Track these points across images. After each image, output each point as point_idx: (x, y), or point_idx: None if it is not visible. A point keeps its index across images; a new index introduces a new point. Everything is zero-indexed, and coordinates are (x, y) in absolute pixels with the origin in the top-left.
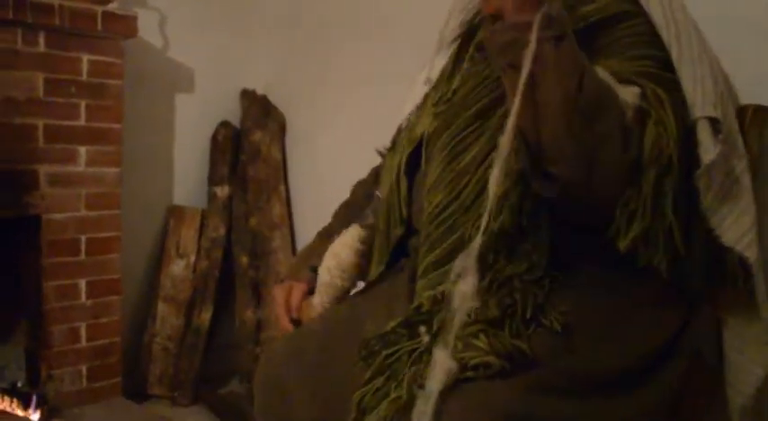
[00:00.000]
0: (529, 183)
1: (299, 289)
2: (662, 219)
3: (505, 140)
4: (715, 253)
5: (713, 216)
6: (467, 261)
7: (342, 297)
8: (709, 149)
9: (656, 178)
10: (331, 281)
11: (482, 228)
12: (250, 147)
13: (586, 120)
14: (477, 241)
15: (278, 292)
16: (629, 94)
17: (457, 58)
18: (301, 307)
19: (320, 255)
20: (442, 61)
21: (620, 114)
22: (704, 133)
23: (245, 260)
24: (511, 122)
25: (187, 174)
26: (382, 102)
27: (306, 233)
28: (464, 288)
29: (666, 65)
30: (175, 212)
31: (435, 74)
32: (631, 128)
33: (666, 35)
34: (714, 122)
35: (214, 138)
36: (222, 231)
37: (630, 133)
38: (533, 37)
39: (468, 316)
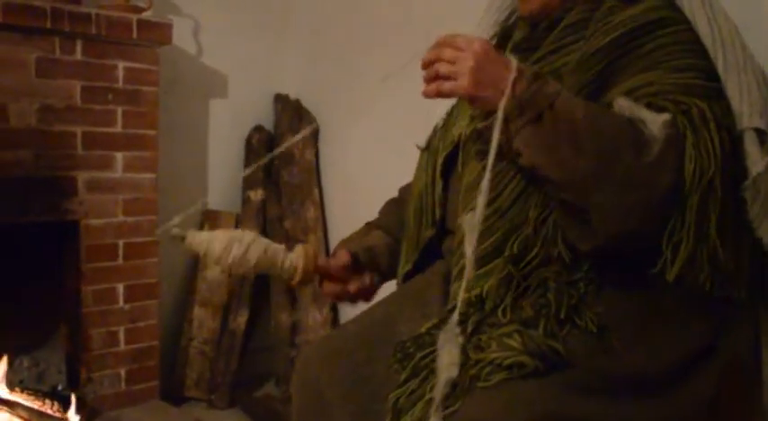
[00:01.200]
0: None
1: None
2: (706, 241)
3: (475, 222)
4: (759, 260)
5: (760, 226)
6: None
7: (369, 265)
8: (756, 161)
9: (699, 204)
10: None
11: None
12: (284, 150)
13: (601, 169)
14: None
15: None
16: (655, 126)
17: None
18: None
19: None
20: None
21: (635, 150)
22: (751, 144)
23: None
24: (480, 206)
25: (221, 178)
26: (413, 103)
27: (339, 235)
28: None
29: (711, 74)
30: (210, 217)
31: None
32: (660, 159)
33: (711, 43)
34: (761, 133)
35: (248, 142)
36: (257, 233)
37: (659, 165)
38: (495, 131)
39: (503, 315)
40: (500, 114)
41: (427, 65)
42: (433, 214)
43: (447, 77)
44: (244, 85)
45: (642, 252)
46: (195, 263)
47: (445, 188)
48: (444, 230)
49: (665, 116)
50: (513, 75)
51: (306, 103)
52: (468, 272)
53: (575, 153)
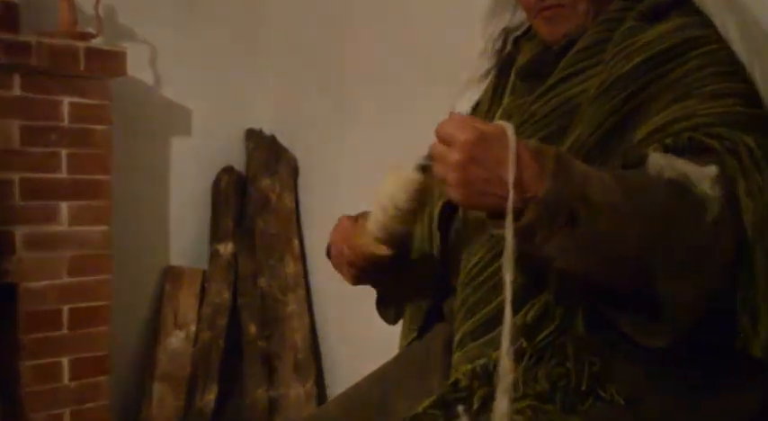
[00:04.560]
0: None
1: (351, 219)
2: None
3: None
4: None
5: None
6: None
7: (395, 239)
8: None
9: (766, 260)
10: (384, 209)
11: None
12: (257, 195)
13: (659, 254)
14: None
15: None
16: (705, 183)
17: (495, 90)
18: (356, 231)
19: None
20: (475, 94)
21: (693, 220)
22: None
23: (253, 329)
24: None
25: (185, 229)
26: (409, 141)
27: (324, 295)
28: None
29: (752, 99)
30: (172, 275)
31: (466, 109)
32: (720, 221)
33: (747, 55)
34: None
35: (215, 186)
36: (227, 295)
37: (720, 228)
38: (508, 239)
39: (515, 390)
40: (509, 237)
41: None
42: (434, 271)
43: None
44: (210, 119)
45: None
46: (154, 330)
47: (446, 239)
48: (446, 287)
49: (712, 170)
50: (512, 170)
51: (283, 140)
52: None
53: (623, 245)
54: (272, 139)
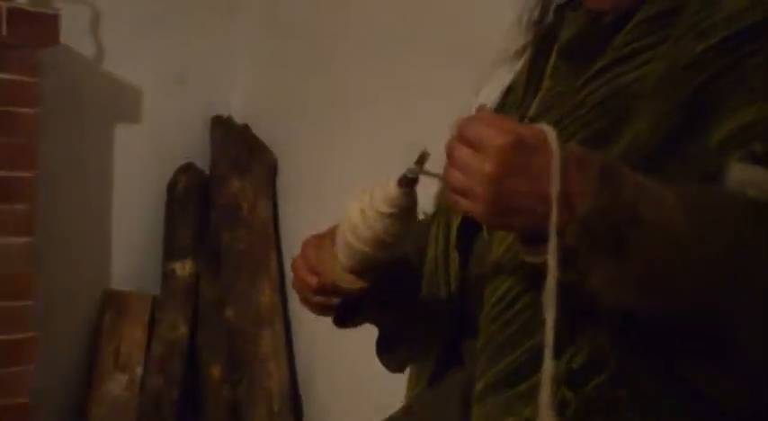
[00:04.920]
0: None
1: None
2: None
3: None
4: None
5: None
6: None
7: (372, 267)
8: None
9: None
10: (359, 226)
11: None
12: (225, 201)
13: (737, 294)
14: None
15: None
16: None
17: (531, 72)
18: (323, 256)
19: None
20: (506, 77)
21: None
22: None
23: (217, 373)
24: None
25: (131, 243)
26: (419, 136)
27: (308, 329)
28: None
29: None
30: (114, 301)
31: (494, 98)
32: None
33: None
34: None
35: (171, 188)
36: (184, 329)
37: None
38: (552, 266)
39: None
40: (552, 263)
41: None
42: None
43: (461, 192)
44: (166, 103)
45: None
46: (88, 372)
47: (464, 263)
48: (466, 325)
49: None
50: (556, 182)
51: (259, 131)
52: None
53: (684, 278)
54: (245, 130)
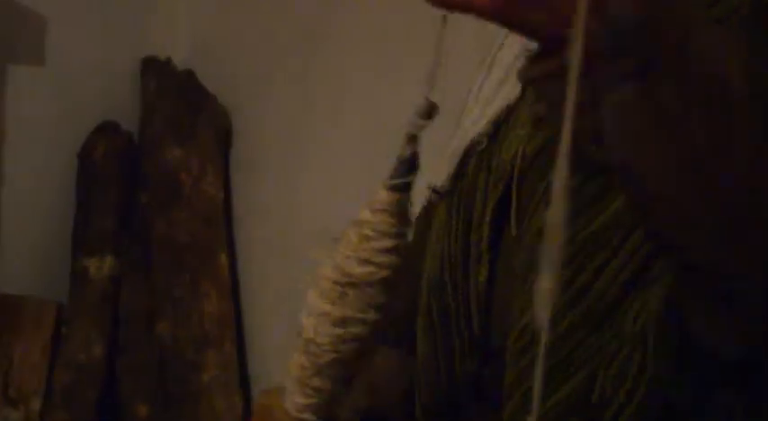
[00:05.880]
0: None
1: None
2: None
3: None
4: None
5: None
6: None
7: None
8: None
9: None
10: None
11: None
12: (159, 176)
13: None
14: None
15: None
16: None
17: None
18: None
19: None
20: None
21: None
22: None
23: (144, 410)
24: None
25: (28, 232)
26: (411, 86)
27: (268, 350)
28: None
29: None
30: (4, 309)
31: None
32: None
33: None
34: None
35: (85, 157)
36: (99, 350)
37: None
38: (571, 84)
39: None
40: (575, 60)
41: None
42: (470, 326)
43: None
44: (79, 39)
45: None
46: None
47: (493, 272)
48: (489, 354)
49: None
50: None
51: (207, 80)
52: None
53: (727, 153)
54: (188, 77)
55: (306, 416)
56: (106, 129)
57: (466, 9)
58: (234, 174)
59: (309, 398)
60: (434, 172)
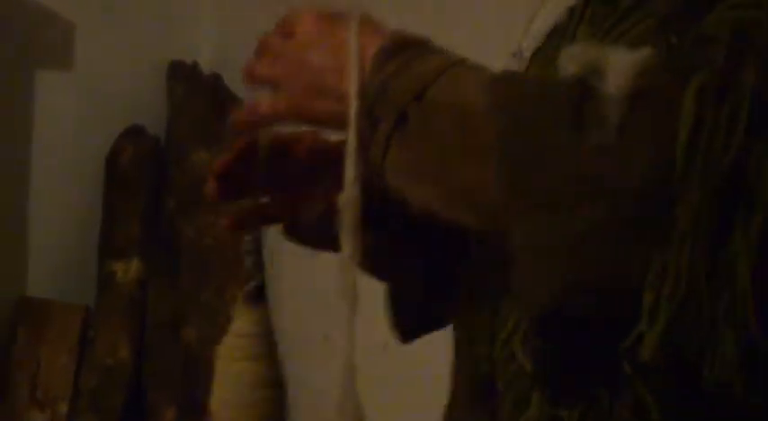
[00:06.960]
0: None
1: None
2: (727, 290)
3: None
4: None
5: None
6: None
7: None
8: None
9: (702, 208)
10: None
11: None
12: (186, 179)
13: (515, 178)
14: None
15: None
16: (620, 75)
17: (572, 15)
18: None
19: None
20: (546, 19)
21: (570, 130)
22: None
23: (171, 415)
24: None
25: (56, 236)
26: None
27: (298, 353)
28: None
29: None
30: (31, 313)
31: (533, 42)
32: (625, 135)
33: None
34: None
35: (112, 162)
36: (126, 353)
37: (622, 147)
38: (349, 160)
39: None
40: (351, 136)
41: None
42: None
43: (272, 82)
44: (106, 43)
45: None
46: None
47: None
48: None
49: (644, 51)
50: (354, 49)
51: (233, 83)
52: None
53: (476, 167)
54: (215, 81)
55: None
56: (133, 133)
57: (271, 120)
58: None
59: None
60: None
